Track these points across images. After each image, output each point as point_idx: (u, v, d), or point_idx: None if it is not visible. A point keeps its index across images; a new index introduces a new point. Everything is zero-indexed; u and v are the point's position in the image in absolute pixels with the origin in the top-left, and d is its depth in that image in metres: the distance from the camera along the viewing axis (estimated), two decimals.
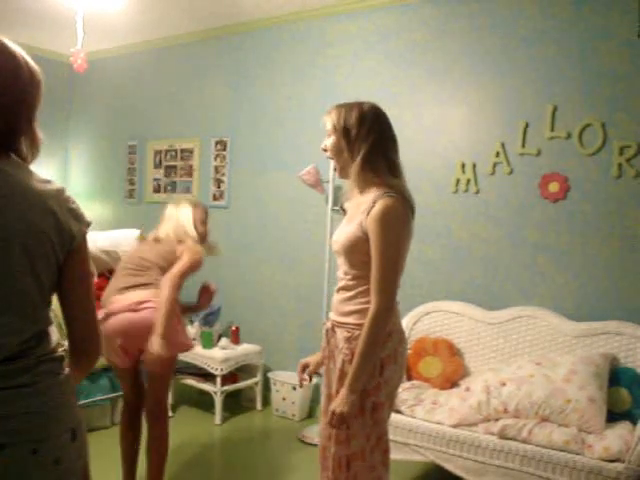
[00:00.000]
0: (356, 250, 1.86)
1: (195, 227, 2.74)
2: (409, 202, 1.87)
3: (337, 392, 1.88)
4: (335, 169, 2.01)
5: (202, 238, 2.76)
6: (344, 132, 1.89)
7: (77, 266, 1.23)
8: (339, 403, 1.80)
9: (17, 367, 1.13)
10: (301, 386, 2.27)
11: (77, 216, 1.23)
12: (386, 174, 1.87)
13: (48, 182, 1.21)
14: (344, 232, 1.92)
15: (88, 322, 1.28)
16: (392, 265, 1.81)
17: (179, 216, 2.74)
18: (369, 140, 1.87)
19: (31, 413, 1.13)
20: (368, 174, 1.88)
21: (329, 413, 1.83)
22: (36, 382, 1.15)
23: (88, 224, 1.25)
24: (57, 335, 1.26)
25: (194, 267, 2.64)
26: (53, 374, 1.19)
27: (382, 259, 1.79)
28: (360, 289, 1.87)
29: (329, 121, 1.94)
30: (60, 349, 1.24)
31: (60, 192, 1.22)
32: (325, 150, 1.98)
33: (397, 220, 1.81)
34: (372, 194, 1.85)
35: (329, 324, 2.01)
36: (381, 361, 1.85)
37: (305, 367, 2.16)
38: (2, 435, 1.09)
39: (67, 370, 1.24)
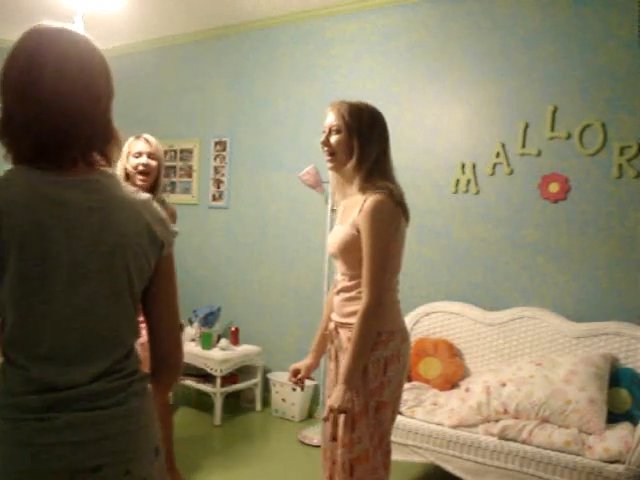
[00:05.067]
0: (351, 249, 1.85)
1: None
2: (400, 203, 1.86)
3: None
4: (329, 162, 1.92)
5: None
6: (358, 132, 1.85)
7: (166, 273, 1.19)
8: (335, 399, 1.79)
9: (114, 386, 1.11)
10: (294, 390, 2.27)
11: (166, 225, 1.19)
12: (389, 178, 1.88)
13: (136, 192, 1.18)
14: (338, 233, 1.92)
15: (173, 333, 1.23)
16: (380, 258, 1.79)
17: None
18: (380, 144, 1.87)
19: (125, 433, 1.11)
20: (375, 177, 1.86)
21: (326, 409, 1.83)
22: (128, 401, 1.13)
23: (174, 234, 1.22)
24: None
25: None
26: (142, 393, 1.17)
27: (371, 252, 1.79)
28: (360, 289, 1.86)
29: (337, 116, 1.88)
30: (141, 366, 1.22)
31: (149, 202, 1.19)
32: (326, 145, 1.90)
33: (386, 214, 1.80)
34: (366, 194, 1.85)
35: (332, 325, 2.01)
36: (385, 360, 1.85)
37: (296, 372, 2.14)
38: (100, 456, 1.08)
39: (150, 387, 1.21)
